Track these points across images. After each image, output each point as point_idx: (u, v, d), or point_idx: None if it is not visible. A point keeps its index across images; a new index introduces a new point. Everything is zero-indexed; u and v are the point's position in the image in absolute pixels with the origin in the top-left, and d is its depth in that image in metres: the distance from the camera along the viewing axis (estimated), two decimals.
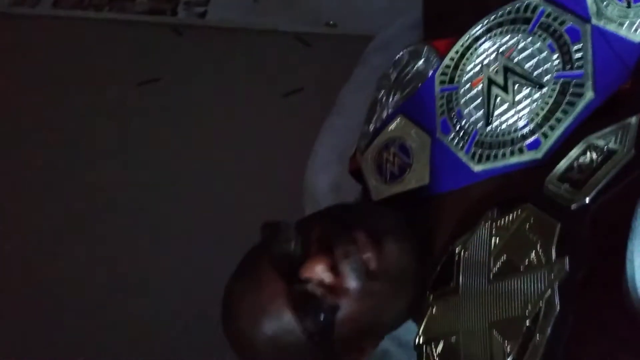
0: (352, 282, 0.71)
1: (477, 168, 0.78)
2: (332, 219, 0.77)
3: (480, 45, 0.82)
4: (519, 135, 0.76)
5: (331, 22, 1.87)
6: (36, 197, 1.70)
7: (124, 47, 1.89)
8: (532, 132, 0.75)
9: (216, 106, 1.75)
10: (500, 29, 0.80)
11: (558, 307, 0.57)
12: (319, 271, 0.70)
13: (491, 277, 0.65)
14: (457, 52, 0.83)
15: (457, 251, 0.72)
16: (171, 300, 1.50)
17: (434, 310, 0.72)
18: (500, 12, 0.81)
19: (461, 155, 0.79)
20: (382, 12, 1.40)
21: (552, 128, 0.73)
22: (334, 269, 0.70)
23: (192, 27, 1.93)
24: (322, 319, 0.70)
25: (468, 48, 0.83)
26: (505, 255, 0.65)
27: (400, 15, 1.27)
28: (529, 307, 0.59)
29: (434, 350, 0.70)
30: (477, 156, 0.78)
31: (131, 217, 1.64)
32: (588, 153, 0.66)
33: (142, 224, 1.63)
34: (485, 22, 0.82)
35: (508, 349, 0.59)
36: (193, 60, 1.84)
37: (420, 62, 0.88)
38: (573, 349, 0.57)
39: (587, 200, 0.62)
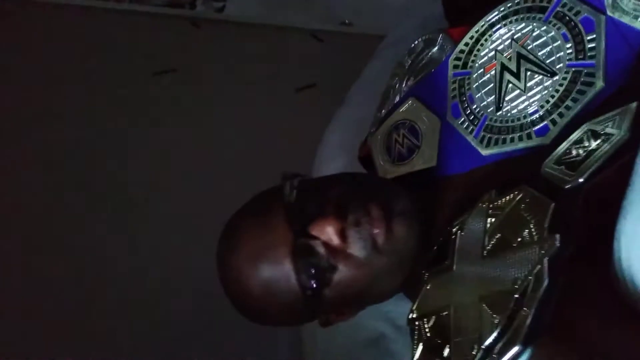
0: (356, 251, 0.73)
1: (486, 152, 0.79)
2: (353, 185, 0.79)
3: (496, 31, 0.83)
4: (529, 121, 0.77)
5: (347, 21, 1.89)
6: (55, 180, 1.72)
7: (142, 37, 1.92)
8: (541, 119, 0.76)
9: (230, 98, 1.78)
10: (516, 17, 0.82)
11: (546, 281, 0.58)
12: (329, 232, 0.72)
13: (485, 253, 0.67)
14: (472, 37, 0.85)
15: (454, 231, 0.74)
16: (171, 297, 1.52)
17: (428, 287, 0.74)
18: (517, 0, 0.83)
19: (470, 139, 0.81)
20: (397, 12, 1.42)
21: (561, 115, 0.75)
22: (343, 234, 0.73)
23: (209, 21, 1.96)
24: (318, 276, 0.73)
25: (483, 34, 0.84)
26: (499, 233, 0.67)
27: (413, 15, 1.30)
28: (519, 281, 0.60)
29: (425, 325, 0.71)
30: (485, 140, 0.80)
31: (144, 205, 1.67)
32: (586, 137, 0.67)
33: (155, 211, 1.66)
34: (502, 9, 0.84)
35: (496, 321, 0.60)
36: (209, 52, 1.87)
37: (435, 49, 0.90)
38: (558, 323, 0.58)
39: (581, 180, 0.63)
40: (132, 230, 1.64)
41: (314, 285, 0.73)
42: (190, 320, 1.47)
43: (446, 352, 0.66)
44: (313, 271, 0.73)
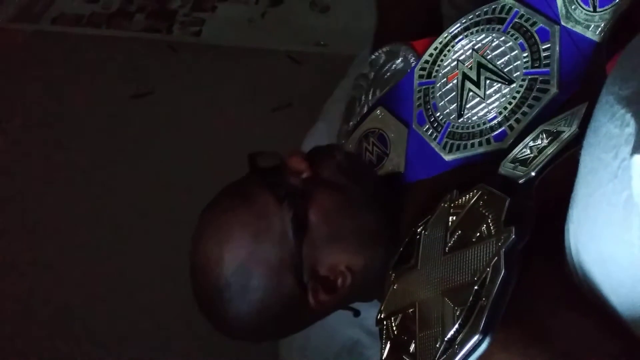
0: (324, 173, 0.81)
1: (448, 157, 0.83)
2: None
3: (458, 42, 0.88)
4: (488, 127, 0.81)
5: (322, 42, 1.93)
6: (25, 209, 1.73)
7: (120, 61, 1.95)
8: (499, 125, 0.80)
9: (207, 119, 1.81)
10: (476, 28, 0.86)
11: (503, 272, 0.61)
12: (296, 161, 0.81)
13: (446, 250, 0.70)
14: (435, 48, 0.90)
15: (419, 231, 0.77)
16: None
17: (395, 287, 0.76)
18: (477, 12, 0.87)
19: (434, 145, 0.85)
20: (371, 34, 1.47)
21: (518, 121, 0.79)
22: (312, 162, 0.82)
23: (186, 44, 2.00)
24: (295, 194, 0.78)
25: (446, 45, 0.89)
26: (460, 230, 0.70)
27: None
28: (478, 273, 0.63)
29: (393, 324, 0.73)
30: (448, 146, 0.83)
31: (122, 228, 1.67)
32: (539, 137, 0.71)
33: (133, 233, 1.66)
34: (464, 21, 0.88)
35: (457, 313, 0.63)
36: (187, 75, 1.90)
37: (399, 60, 0.95)
38: (516, 311, 0.61)
39: (533, 173, 0.67)
40: (109, 254, 1.64)
41: (295, 202, 0.77)
42: (169, 329, 1.46)
43: (412, 348, 0.69)
44: (288, 190, 0.78)
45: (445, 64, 0.88)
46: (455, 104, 0.84)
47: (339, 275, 0.80)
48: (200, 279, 0.79)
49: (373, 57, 0.99)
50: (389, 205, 0.83)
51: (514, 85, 0.80)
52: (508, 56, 0.82)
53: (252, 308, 0.77)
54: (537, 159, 0.68)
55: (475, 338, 0.60)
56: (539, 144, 0.70)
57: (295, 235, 0.77)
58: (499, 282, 0.61)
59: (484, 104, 0.82)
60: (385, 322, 0.75)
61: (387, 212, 0.83)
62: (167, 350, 1.43)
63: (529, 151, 0.70)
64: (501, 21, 0.85)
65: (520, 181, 0.67)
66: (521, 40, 0.82)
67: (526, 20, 0.83)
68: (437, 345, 0.64)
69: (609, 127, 0.57)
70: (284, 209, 0.77)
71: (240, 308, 0.77)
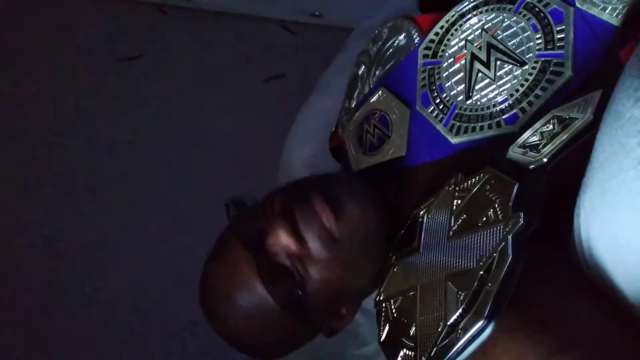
0: (317, 250, 0.75)
1: (455, 140, 0.83)
2: (292, 187, 0.81)
3: (466, 21, 0.87)
4: (498, 109, 0.80)
5: (317, 12, 1.91)
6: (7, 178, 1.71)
7: (108, 24, 1.92)
8: (510, 107, 0.80)
9: (196, 87, 1.80)
10: (486, 7, 0.86)
11: (510, 257, 0.61)
12: (283, 238, 0.74)
13: (451, 234, 0.70)
14: (442, 27, 0.89)
15: (421, 214, 0.77)
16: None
17: (395, 269, 0.77)
18: None
19: (440, 127, 0.84)
20: (367, 4, 1.45)
21: (530, 104, 0.78)
22: (297, 235, 0.75)
23: (177, 8, 1.97)
24: (293, 289, 0.75)
25: (453, 24, 0.88)
26: (465, 214, 0.70)
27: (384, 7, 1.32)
28: (484, 258, 0.64)
29: (392, 306, 0.74)
30: (455, 129, 0.83)
31: (107, 197, 1.67)
32: (551, 123, 0.71)
33: (118, 204, 1.66)
34: None
35: (461, 297, 0.63)
36: (176, 40, 1.88)
37: (401, 36, 0.93)
38: (520, 297, 0.61)
39: (545, 160, 0.67)
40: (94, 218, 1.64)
41: (293, 300, 0.75)
42: (173, 323, 1.49)
43: (412, 331, 0.69)
44: (287, 286, 0.75)
45: (452, 44, 0.87)
46: (462, 85, 0.84)
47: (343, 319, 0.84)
48: (220, 334, 0.82)
49: (376, 32, 0.97)
50: (389, 196, 0.83)
51: (526, 67, 0.80)
52: (520, 37, 0.82)
53: (271, 349, 0.83)
54: (548, 145, 0.68)
55: (480, 323, 0.60)
56: (550, 130, 0.70)
57: (296, 319, 0.77)
58: (505, 268, 0.61)
59: (494, 86, 0.81)
60: (384, 305, 0.75)
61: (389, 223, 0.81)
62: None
63: (539, 136, 0.70)
64: (512, 1, 0.84)
65: (531, 167, 0.67)
66: (533, 21, 0.81)
67: (539, 1, 0.82)
68: (439, 330, 0.65)
69: (634, 112, 0.56)
70: (276, 295, 0.74)
71: (261, 351, 0.83)
